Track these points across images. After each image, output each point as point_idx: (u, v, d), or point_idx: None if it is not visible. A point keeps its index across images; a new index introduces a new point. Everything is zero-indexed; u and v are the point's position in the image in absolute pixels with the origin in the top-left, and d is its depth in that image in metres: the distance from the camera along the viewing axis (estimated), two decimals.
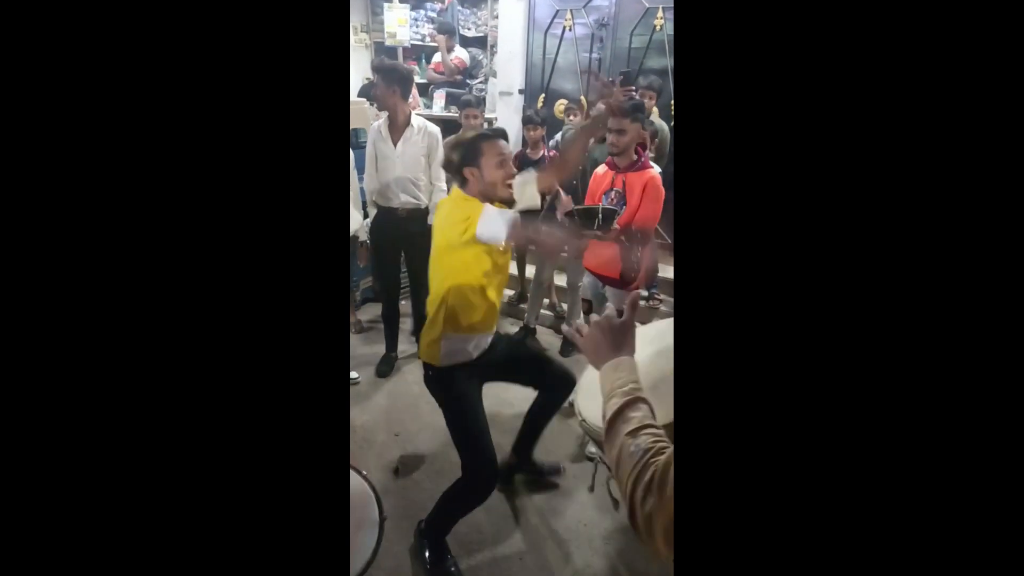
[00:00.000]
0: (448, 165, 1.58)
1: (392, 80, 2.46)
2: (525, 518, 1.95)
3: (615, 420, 0.67)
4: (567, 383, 1.84)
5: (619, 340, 0.78)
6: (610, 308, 0.81)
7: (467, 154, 1.52)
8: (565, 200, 2.49)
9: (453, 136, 1.64)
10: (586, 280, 2.52)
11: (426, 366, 1.67)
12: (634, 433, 0.64)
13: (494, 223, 1.39)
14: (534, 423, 1.96)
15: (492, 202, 1.54)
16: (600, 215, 1.94)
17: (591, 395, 1.11)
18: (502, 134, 1.61)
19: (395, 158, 2.57)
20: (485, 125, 3.22)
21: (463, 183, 1.56)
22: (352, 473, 1.38)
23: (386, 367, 2.84)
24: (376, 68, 2.57)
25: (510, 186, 1.56)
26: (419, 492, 2.05)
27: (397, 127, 2.58)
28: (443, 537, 1.74)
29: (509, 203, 1.58)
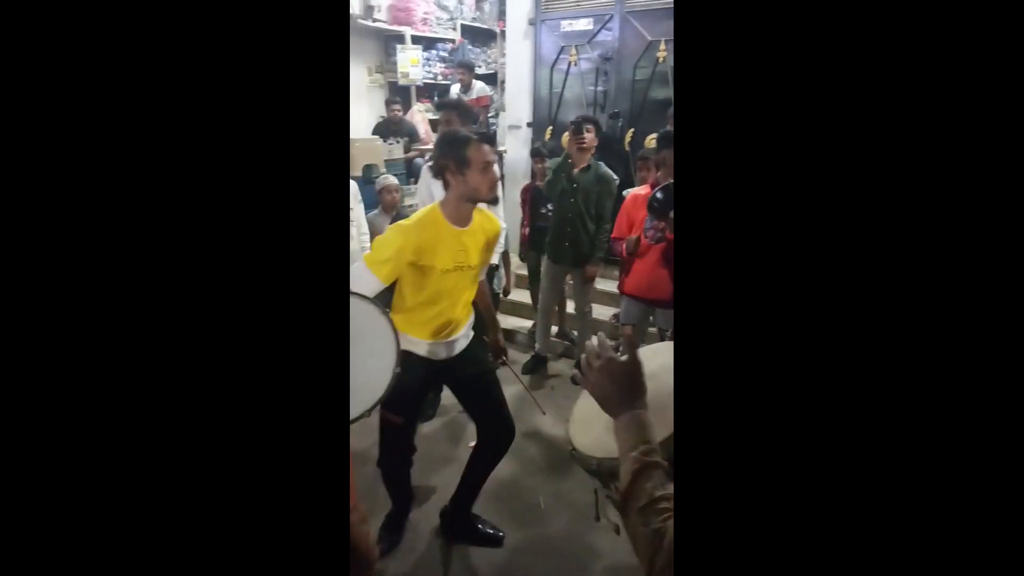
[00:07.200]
0: (438, 168, 1.64)
1: (467, 117, 2.56)
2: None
3: (628, 493, 0.65)
4: (508, 434, 1.83)
5: (629, 386, 0.74)
6: (601, 341, 0.79)
7: (457, 160, 1.58)
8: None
9: (440, 137, 1.70)
10: (626, 306, 2.53)
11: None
12: (645, 511, 0.62)
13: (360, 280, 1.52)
14: (475, 474, 1.91)
15: (476, 203, 1.66)
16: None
17: (583, 425, 1.11)
18: (489, 139, 1.69)
19: None
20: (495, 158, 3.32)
21: (445, 185, 1.64)
22: (371, 306, 1.30)
23: None
24: (446, 106, 2.67)
25: (494, 188, 1.63)
26: None
27: None
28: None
29: (493, 203, 1.70)
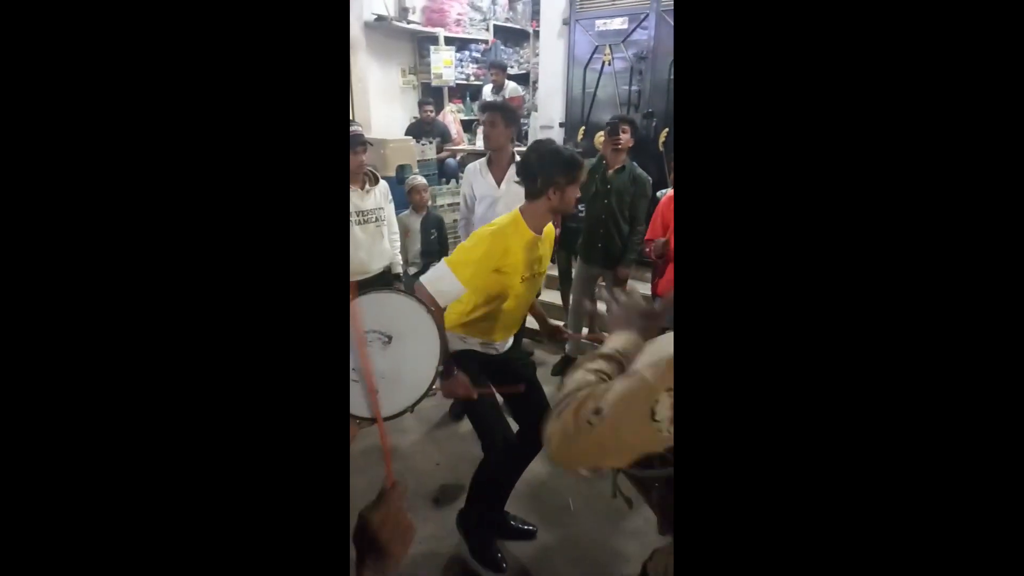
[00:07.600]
0: (544, 182, 1.61)
1: (511, 119, 2.51)
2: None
3: (582, 362, 0.79)
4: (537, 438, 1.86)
5: (640, 325, 0.87)
6: (637, 291, 0.94)
7: (568, 179, 1.61)
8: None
9: (551, 154, 1.65)
10: (659, 307, 2.49)
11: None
12: (585, 367, 0.76)
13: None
14: (511, 467, 1.91)
15: (557, 215, 1.75)
16: None
17: None
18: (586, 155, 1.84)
19: (499, 197, 2.57)
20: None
21: (536, 197, 1.65)
22: (417, 304, 1.30)
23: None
24: (490, 107, 2.60)
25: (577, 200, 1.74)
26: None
27: (500, 166, 2.59)
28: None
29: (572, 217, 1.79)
